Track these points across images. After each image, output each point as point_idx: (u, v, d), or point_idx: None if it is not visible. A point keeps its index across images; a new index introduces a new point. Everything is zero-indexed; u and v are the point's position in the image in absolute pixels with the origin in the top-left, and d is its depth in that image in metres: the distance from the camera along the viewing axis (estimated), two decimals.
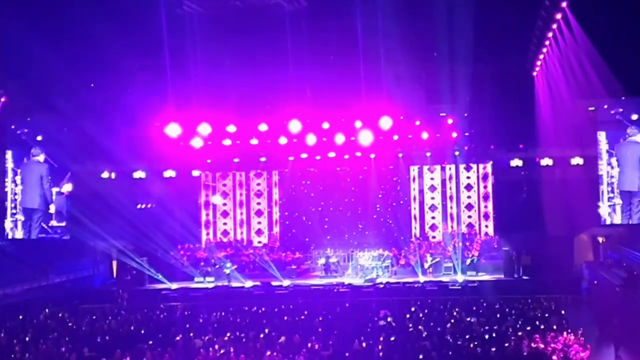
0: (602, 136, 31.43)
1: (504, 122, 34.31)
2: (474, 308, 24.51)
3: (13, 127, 34.04)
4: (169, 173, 37.24)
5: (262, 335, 20.67)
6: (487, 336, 19.85)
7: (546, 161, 34.49)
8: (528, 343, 18.68)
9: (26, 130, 33.85)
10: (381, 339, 19.80)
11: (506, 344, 18.78)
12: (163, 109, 34.12)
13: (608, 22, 26.35)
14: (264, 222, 39.31)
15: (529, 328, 20.68)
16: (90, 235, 32.73)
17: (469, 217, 37.53)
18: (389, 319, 22.76)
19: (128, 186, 36.23)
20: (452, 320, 22.31)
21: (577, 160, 33.71)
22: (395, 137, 35.77)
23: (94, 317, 25.37)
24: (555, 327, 20.70)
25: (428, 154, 37.00)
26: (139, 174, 36.65)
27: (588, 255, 33.13)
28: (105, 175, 35.94)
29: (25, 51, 28.18)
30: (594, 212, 31.30)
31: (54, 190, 33.96)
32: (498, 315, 23.11)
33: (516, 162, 35.48)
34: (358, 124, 34.55)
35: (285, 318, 23.60)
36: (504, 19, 28.28)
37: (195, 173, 38.80)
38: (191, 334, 21.13)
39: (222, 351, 18.94)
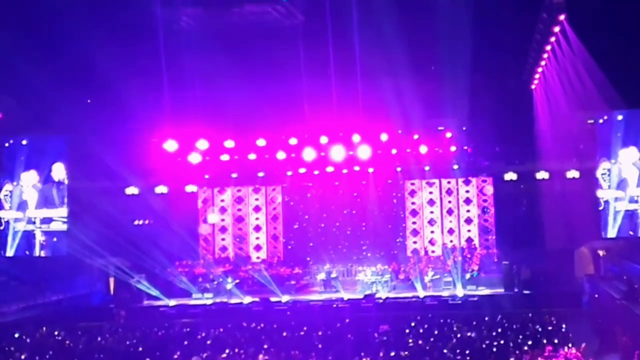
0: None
1: (503, 136, 34.31)
2: (474, 323, 24.32)
3: (8, 144, 33.81)
4: (166, 189, 37.04)
5: (261, 352, 20.48)
6: (488, 351, 19.68)
7: (545, 174, 34.33)
8: (529, 357, 18.52)
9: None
10: (381, 354, 19.62)
11: (509, 359, 18.62)
12: (161, 125, 34.06)
13: (607, 35, 26.27)
14: (263, 237, 39.12)
15: (530, 342, 20.49)
16: (87, 253, 32.50)
17: (469, 231, 37.39)
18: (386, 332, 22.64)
19: (124, 202, 36.01)
20: (453, 335, 22.15)
21: (576, 173, 33.58)
22: (394, 151, 35.76)
23: (91, 336, 25.12)
24: (556, 341, 20.51)
25: (427, 168, 36.86)
26: (135, 190, 36.38)
27: (589, 268, 32.87)
28: (101, 191, 35.63)
29: (20, 67, 28.07)
30: (594, 225, 31.11)
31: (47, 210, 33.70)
32: (499, 330, 22.89)
33: (515, 176, 35.33)
34: (356, 138, 34.55)
35: (285, 334, 23.41)
36: (502, 32, 28.27)
37: (193, 189, 38.62)
38: (190, 351, 20.95)
39: None
